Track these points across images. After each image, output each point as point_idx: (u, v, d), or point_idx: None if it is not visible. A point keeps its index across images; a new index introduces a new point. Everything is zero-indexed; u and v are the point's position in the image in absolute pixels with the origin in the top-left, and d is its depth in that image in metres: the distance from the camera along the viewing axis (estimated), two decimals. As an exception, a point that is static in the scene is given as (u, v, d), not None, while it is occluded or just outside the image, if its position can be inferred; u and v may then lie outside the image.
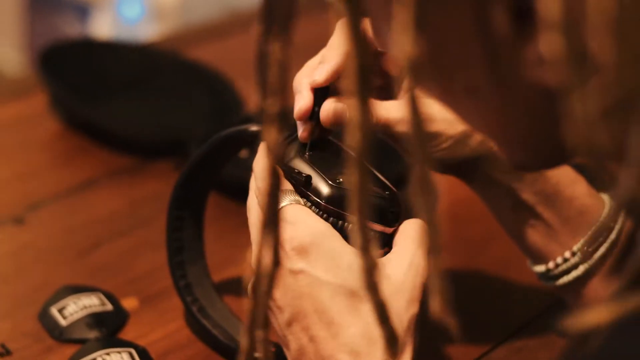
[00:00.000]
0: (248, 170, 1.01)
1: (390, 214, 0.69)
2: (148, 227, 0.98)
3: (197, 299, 0.82)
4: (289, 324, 0.65)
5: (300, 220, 0.66)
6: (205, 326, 0.82)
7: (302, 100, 0.70)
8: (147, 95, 1.17)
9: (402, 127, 0.70)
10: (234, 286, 0.85)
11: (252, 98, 1.16)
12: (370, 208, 0.68)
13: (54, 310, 0.84)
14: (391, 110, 0.71)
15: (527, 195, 0.75)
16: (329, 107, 0.70)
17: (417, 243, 0.67)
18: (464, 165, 0.75)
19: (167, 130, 1.11)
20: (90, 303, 0.84)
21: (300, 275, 0.64)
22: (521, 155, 0.52)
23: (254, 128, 0.75)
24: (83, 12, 2.39)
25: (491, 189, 0.76)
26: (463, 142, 0.72)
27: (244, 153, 1.02)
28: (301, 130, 0.71)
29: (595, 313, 0.42)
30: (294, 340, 0.65)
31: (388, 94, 0.73)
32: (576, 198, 0.75)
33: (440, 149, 0.72)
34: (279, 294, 0.65)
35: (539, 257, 0.77)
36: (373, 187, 0.70)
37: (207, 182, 0.82)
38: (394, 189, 0.71)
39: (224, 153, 0.81)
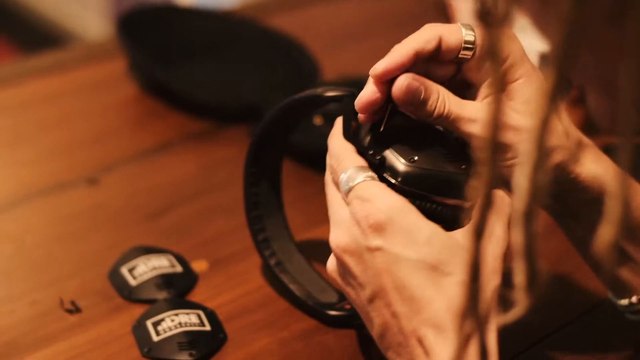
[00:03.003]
0: (322, 137, 1.00)
1: (468, 188, 0.67)
2: (220, 191, 0.98)
3: (275, 253, 0.83)
4: (371, 300, 0.64)
5: (375, 197, 0.64)
6: (282, 281, 0.82)
7: (364, 92, 0.69)
8: (225, 62, 1.17)
9: (470, 127, 0.68)
10: (306, 252, 0.84)
11: (328, 66, 1.16)
12: (447, 183, 0.66)
13: (124, 270, 0.84)
14: (465, 108, 0.68)
15: None
16: (402, 82, 0.68)
17: (496, 214, 0.66)
18: None
19: (242, 96, 1.11)
20: (160, 264, 0.84)
21: (377, 253, 0.63)
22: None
23: (329, 93, 0.74)
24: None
25: (573, 222, 0.73)
26: None
27: (318, 120, 1.02)
28: (363, 117, 0.70)
29: None
30: (377, 317, 0.64)
31: (463, 93, 0.71)
32: None
33: (509, 164, 0.69)
34: (358, 272, 0.64)
35: (622, 291, 0.74)
36: (450, 162, 0.68)
37: (281, 141, 0.82)
38: (470, 162, 0.69)
39: (297, 115, 0.80)
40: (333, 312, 0.80)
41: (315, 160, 1.00)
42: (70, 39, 2.66)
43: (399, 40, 0.71)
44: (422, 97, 0.67)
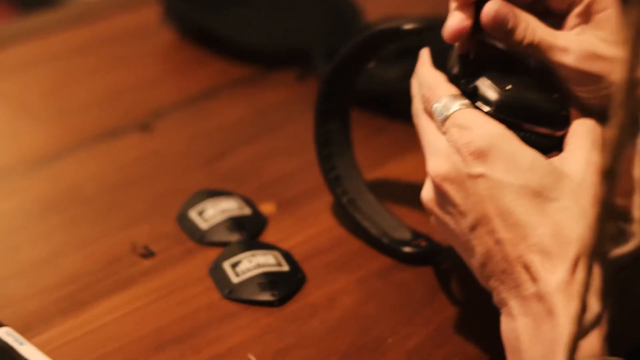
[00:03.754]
0: (374, 80, 0.99)
1: (560, 117, 0.66)
2: (274, 134, 0.97)
3: (347, 192, 0.82)
4: (473, 228, 0.63)
5: (474, 124, 0.64)
6: (355, 219, 0.81)
7: (452, 20, 0.68)
8: (264, 6, 1.15)
9: (562, 57, 0.67)
10: (373, 191, 0.84)
11: (369, 9, 1.14)
12: (539, 111, 0.66)
13: (192, 214, 0.83)
14: (557, 37, 0.67)
15: None
16: (490, 8, 0.66)
17: (591, 141, 0.65)
18: None
19: (288, 39, 1.09)
20: (228, 207, 0.83)
21: (480, 180, 0.62)
22: None
23: (409, 26, 0.73)
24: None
25: None
26: None
27: (371, 63, 1.01)
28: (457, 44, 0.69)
29: None
30: (480, 245, 0.63)
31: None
32: None
33: (598, 95, 0.68)
34: (459, 199, 0.64)
35: None
36: (542, 90, 0.67)
37: (353, 76, 0.81)
38: (561, 90, 0.68)
39: (372, 50, 0.80)
40: (409, 249, 0.80)
41: (367, 102, 1.00)
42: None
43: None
44: (510, 24, 0.66)
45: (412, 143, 0.94)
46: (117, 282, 0.77)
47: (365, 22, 1.11)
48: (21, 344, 0.68)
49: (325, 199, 0.85)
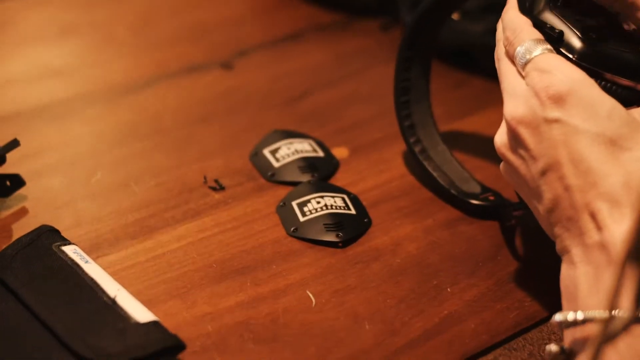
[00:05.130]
0: (455, 33, 0.99)
1: None
2: (355, 80, 0.97)
3: (420, 141, 0.82)
4: (543, 173, 0.63)
5: (555, 68, 0.63)
6: (426, 168, 0.81)
7: None
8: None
9: None
10: (447, 144, 0.84)
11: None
12: (623, 63, 0.65)
13: (266, 152, 0.84)
14: None
15: None
16: None
17: None
18: None
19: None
20: (302, 148, 0.84)
21: (555, 124, 0.62)
22: None
23: None
24: None
25: None
26: None
27: (455, 15, 1.00)
28: None
29: None
30: (548, 191, 0.63)
31: None
32: None
33: None
34: (533, 143, 0.63)
35: None
36: (627, 42, 0.66)
37: (438, 25, 0.81)
38: None
39: None
40: (477, 202, 0.79)
41: (450, 55, 0.99)
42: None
43: None
44: None
45: (491, 99, 0.94)
46: (186, 212, 0.78)
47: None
48: (86, 262, 0.70)
49: (398, 147, 0.85)
